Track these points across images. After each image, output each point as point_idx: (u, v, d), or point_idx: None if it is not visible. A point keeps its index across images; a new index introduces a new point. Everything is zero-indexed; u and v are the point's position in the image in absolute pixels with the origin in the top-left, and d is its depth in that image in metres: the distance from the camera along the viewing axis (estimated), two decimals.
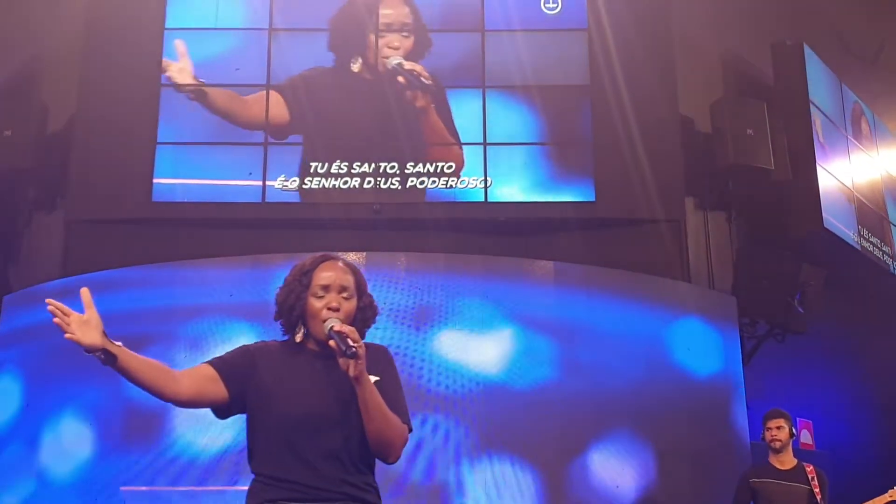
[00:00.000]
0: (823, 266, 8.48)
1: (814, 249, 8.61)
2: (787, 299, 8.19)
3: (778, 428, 5.47)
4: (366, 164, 8.29)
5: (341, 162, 8.28)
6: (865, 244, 9.38)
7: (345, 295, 2.62)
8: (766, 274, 8.17)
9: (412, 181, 8.26)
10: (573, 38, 8.59)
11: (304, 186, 8.22)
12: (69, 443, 6.57)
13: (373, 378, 2.50)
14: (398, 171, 8.26)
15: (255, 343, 2.71)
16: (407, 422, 2.58)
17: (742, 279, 8.24)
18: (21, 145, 8.07)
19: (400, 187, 8.24)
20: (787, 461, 5.49)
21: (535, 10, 8.65)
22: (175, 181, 8.22)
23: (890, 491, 5.20)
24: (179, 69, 8.33)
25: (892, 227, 10.25)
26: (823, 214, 8.49)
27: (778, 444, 5.46)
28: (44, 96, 8.47)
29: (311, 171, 8.25)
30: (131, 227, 8.09)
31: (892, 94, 10.89)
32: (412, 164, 8.29)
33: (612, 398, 6.87)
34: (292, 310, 2.61)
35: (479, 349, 6.69)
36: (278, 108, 8.37)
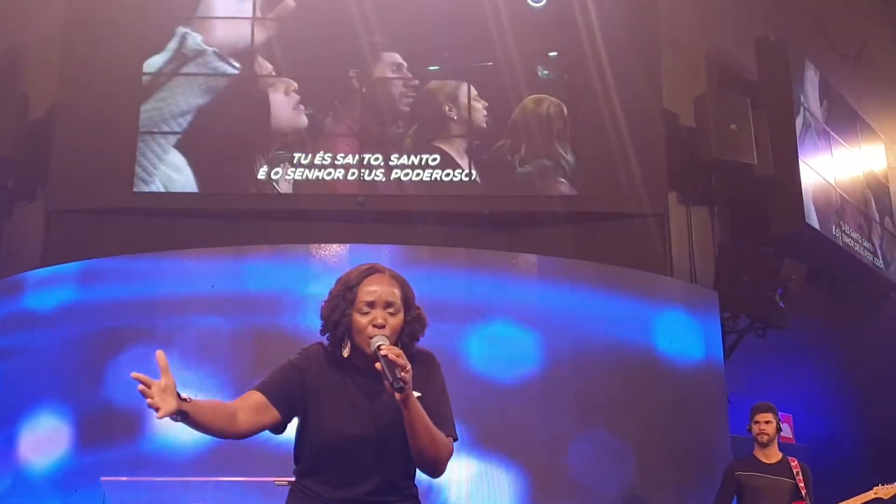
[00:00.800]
0: (805, 261, 8.52)
1: (795, 245, 8.65)
2: (769, 294, 8.23)
3: (766, 422, 5.49)
4: (350, 156, 8.28)
5: (325, 153, 8.26)
6: (847, 240, 9.44)
7: (391, 310, 2.56)
8: (747, 269, 8.21)
9: (396, 173, 8.25)
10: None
11: (286, 178, 8.20)
12: (47, 435, 6.53)
13: (416, 394, 2.45)
14: (382, 163, 8.25)
15: (301, 354, 2.63)
16: (452, 433, 2.57)
17: (724, 274, 8.27)
18: (1, 134, 8.00)
19: (384, 179, 8.23)
20: (772, 455, 5.51)
21: (520, 2, 8.66)
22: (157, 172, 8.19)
23: (875, 488, 5.23)
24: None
25: (873, 223, 10.31)
26: (805, 210, 8.54)
27: (765, 438, 5.48)
28: (24, 85, 8.40)
29: (295, 161, 8.22)
30: (112, 218, 8.05)
31: (875, 92, 10.96)
32: (396, 155, 8.28)
33: (595, 391, 6.87)
34: (337, 325, 2.56)
35: (462, 342, 6.67)
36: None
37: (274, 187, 8.18)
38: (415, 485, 2.62)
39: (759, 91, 8.90)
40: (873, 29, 10.86)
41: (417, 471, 2.60)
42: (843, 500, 5.30)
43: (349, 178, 8.24)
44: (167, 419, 2.27)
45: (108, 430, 6.37)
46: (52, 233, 8.14)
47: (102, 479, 3.30)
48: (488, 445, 6.45)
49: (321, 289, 6.62)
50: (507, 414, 6.58)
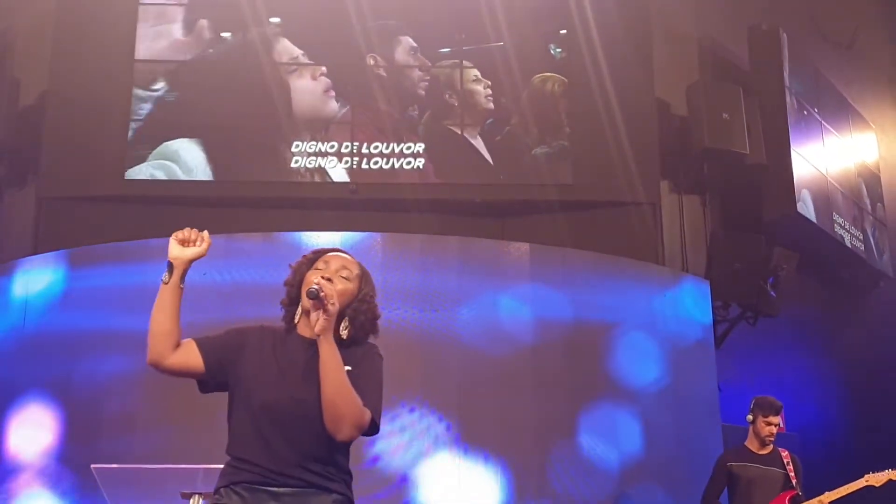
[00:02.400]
0: (796, 250, 8.55)
1: (787, 233, 8.68)
2: (760, 283, 8.26)
3: (776, 425, 5.49)
4: (344, 144, 8.28)
5: (319, 141, 8.26)
6: (838, 229, 9.47)
7: (344, 274, 2.60)
8: (739, 257, 8.24)
9: (390, 161, 8.26)
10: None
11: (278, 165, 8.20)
12: (38, 422, 6.53)
13: (347, 368, 2.47)
14: (376, 152, 8.26)
15: (254, 325, 2.66)
16: (372, 412, 2.52)
17: (715, 262, 8.30)
18: None
19: (377, 167, 8.24)
20: (764, 447, 5.53)
21: None
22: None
23: (866, 476, 5.25)
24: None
25: (864, 212, 10.34)
26: (796, 199, 8.56)
27: (771, 440, 5.49)
28: (15, 71, 8.34)
29: (290, 149, 8.23)
30: (103, 205, 8.03)
31: (867, 80, 10.97)
32: (388, 144, 8.29)
33: (586, 379, 6.90)
34: (292, 285, 2.63)
35: (453, 330, 6.69)
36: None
37: (270, 174, 8.19)
38: (344, 468, 2.56)
39: (751, 80, 8.91)
40: (865, 18, 10.86)
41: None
42: (834, 488, 5.32)
43: (342, 166, 8.24)
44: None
45: (97, 421, 6.39)
46: (43, 220, 8.12)
47: (93, 466, 3.30)
48: (478, 433, 6.47)
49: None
50: (498, 401, 6.60)
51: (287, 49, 8.47)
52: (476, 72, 8.56)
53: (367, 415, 2.49)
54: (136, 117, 8.28)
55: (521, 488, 6.44)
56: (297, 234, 6.80)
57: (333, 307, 2.44)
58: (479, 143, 8.37)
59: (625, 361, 7.08)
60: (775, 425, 5.47)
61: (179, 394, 6.23)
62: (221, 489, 2.50)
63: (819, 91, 9.91)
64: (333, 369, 2.43)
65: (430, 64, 8.53)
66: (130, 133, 8.22)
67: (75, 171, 8.09)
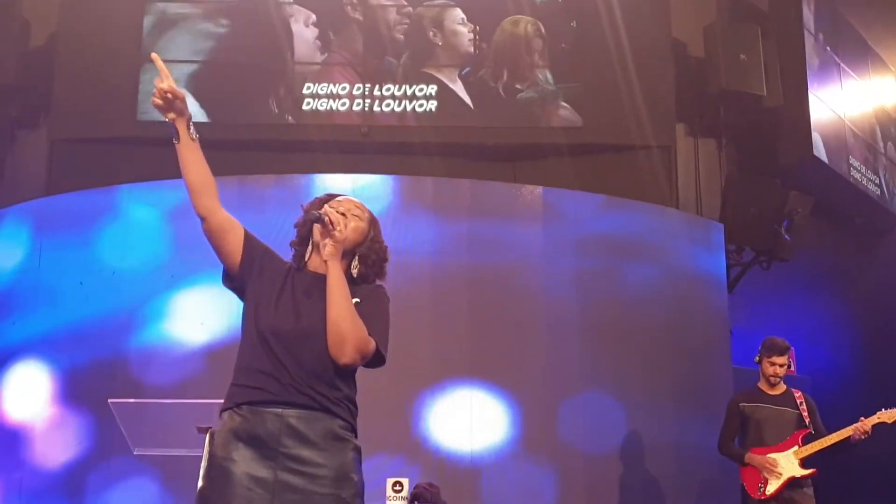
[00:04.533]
0: (811, 194, 8.48)
1: (802, 177, 8.60)
2: (774, 227, 8.20)
3: (781, 365, 5.52)
4: (357, 86, 8.21)
5: (331, 84, 8.20)
6: (854, 173, 9.39)
7: (356, 213, 2.69)
8: (753, 201, 8.16)
9: (402, 104, 8.20)
10: None
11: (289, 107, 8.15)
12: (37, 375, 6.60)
13: (355, 300, 2.55)
14: (387, 94, 8.19)
15: (276, 254, 2.73)
16: (378, 342, 2.57)
17: (730, 206, 8.23)
18: (2, 62, 7.92)
19: (389, 110, 8.18)
20: (776, 387, 5.55)
21: None
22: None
23: (878, 413, 5.27)
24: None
25: (878, 154, 10.24)
26: (813, 142, 8.46)
27: (776, 380, 5.51)
28: (24, 11, 8.26)
29: (301, 91, 8.17)
30: (116, 146, 8.01)
31: (888, 23, 10.77)
32: (400, 86, 8.22)
33: (599, 322, 6.90)
34: (304, 225, 2.71)
35: (466, 275, 6.68)
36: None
37: (280, 118, 8.14)
38: (351, 396, 2.60)
39: (770, 20, 8.75)
40: None
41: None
42: (841, 427, 5.34)
43: (354, 108, 8.18)
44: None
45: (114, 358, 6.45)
46: (56, 161, 8.12)
47: (110, 401, 3.33)
48: (490, 372, 6.50)
49: None
50: (509, 342, 6.62)
51: None
52: (462, 14, 8.42)
53: (372, 343, 2.55)
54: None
55: (529, 429, 6.48)
56: (309, 175, 6.78)
57: (340, 234, 2.57)
58: (458, 87, 8.27)
59: (637, 304, 7.07)
60: (780, 366, 5.50)
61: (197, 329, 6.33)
62: (225, 412, 2.55)
63: (838, 33, 9.75)
64: (339, 291, 2.52)
65: (410, 8, 8.39)
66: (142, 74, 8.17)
67: (87, 113, 8.06)
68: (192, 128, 2.60)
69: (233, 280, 2.67)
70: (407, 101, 8.21)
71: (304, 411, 2.47)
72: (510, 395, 6.50)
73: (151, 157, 7.81)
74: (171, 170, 7.44)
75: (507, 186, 7.25)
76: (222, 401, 3.34)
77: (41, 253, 6.88)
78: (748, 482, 5.40)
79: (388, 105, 8.21)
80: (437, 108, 8.19)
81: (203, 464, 2.51)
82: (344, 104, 8.19)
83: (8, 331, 6.83)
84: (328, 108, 8.17)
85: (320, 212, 2.61)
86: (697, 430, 6.70)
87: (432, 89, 8.23)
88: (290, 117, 8.16)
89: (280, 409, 2.46)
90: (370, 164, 7.65)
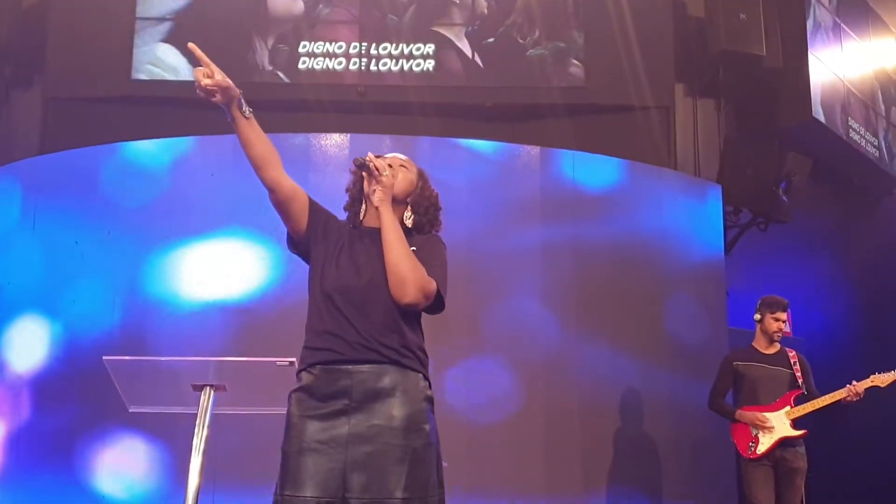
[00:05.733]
0: (810, 156, 8.46)
1: (801, 139, 8.57)
2: (772, 188, 8.19)
3: (784, 321, 5.54)
4: (353, 45, 8.14)
5: (327, 42, 8.12)
6: (853, 134, 9.34)
7: (404, 165, 2.79)
8: (752, 162, 8.14)
9: (399, 63, 8.13)
10: None
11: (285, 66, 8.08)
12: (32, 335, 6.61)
13: (412, 248, 2.63)
14: (384, 53, 8.12)
15: (336, 217, 2.79)
16: (437, 279, 2.62)
17: (728, 167, 8.21)
18: None
19: (386, 69, 8.12)
20: (771, 346, 5.57)
21: None
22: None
23: (871, 376, 5.28)
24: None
25: (879, 116, 10.19)
26: (812, 103, 8.42)
27: (779, 336, 5.53)
28: None
29: (297, 49, 8.09)
30: (110, 105, 7.96)
31: None
32: (396, 45, 8.15)
33: (594, 282, 6.91)
34: (355, 185, 2.79)
35: (461, 234, 6.66)
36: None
37: (276, 77, 8.06)
38: (421, 349, 2.64)
39: None
40: None
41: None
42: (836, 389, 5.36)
43: (350, 67, 8.12)
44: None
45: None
46: (50, 120, 8.07)
47: (105, 358, 3.33)
48: (483, 340, 6.51)
49: (321, 178, 6.61)
50: (504, 301, 6.63)
51: None
52: None
53: (433, 283, 2.60)
54: (141, 16, 8.13)
55: (522, 388, 6.51)
56: (305, 135, 6.73)
57: (387, 178, 2.64)
58: (464, 45, 8.19)
59: (633, 265, 7.07)
60: (783, 321, 5.51)
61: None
62: (300, 373, 2.61)
63: None
64: (393, 234, 2.59)
65: None
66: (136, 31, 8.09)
67: (81, 72, 8.00)
68: (244, 106, 2.61)
69: (297, 245, 2.72)
70: (405, 61, 8.14)
71: (374, 366, 2.52)
72: (504, 358, 6.51)
73: (146, 115, 7.79)
74: (164, 129, 7.45)
75: (504, 146, 7.21)
76: (216, 358, 3.38)
77: (35, 212, 6.86)
78: (739, 441, 5.42)
79: (385, 64, 8.14)
80: (435, 67, 8.13)
81: (285, 424, 2.57)
82: (340, 63, 8.12)
83: (4, 290, 6.83)
84: (324, 67, 8.10)
85: (363, 158, 2.66)
86: (692, 390, 6.72)
87: (430, 48, 8.15)
88: (284, 76, 8.09)
89: (350, 367, 2.51)
90: (367, 125, 7.61)
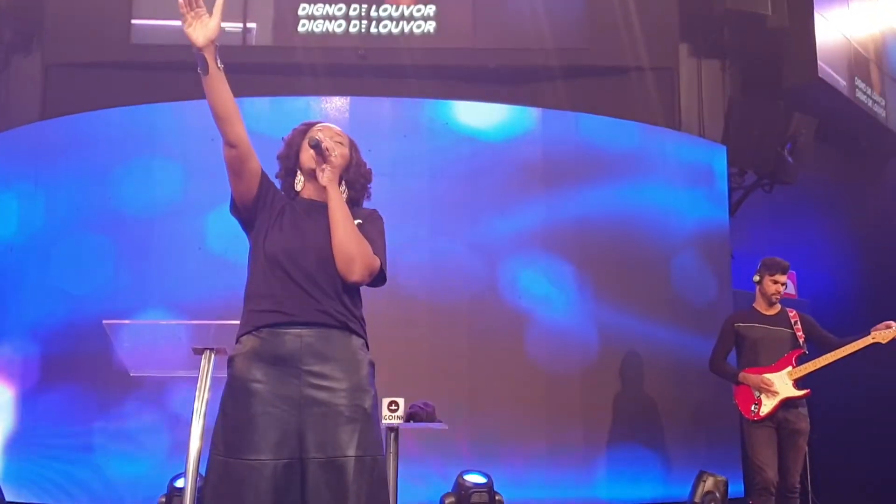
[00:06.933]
0: (816, 116, 8.37)
1: (807, 99, 8.49)
2: (777, 149, 8.12)
3: (783, 284, 5.50)
4: (353, 6, 8.06)
5: (327, 4, 8.04)
6: (860, 94, 9.25)
7: (338, 139, 2.76)
8: (757, 123, 8.07)
9: (399, 25, 8.05)
10: None
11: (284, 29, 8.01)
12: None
13: (357, 221, 2.65)
14: (385, 15, 8.04)
15: (274, 184, 2.79)
16: (381, 259, 2.66)
17: (733, 128, 8.14)
18: None
19: (387, 31, 8.04)
20: (773, 307, 5.54)
21: None
22: (154, 22, 7.99)
23: (872, 333, 5.25)
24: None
25: (885, 77, 10.08)
26: (818, 63, 8.33)
27: (777, 298, 5.50)
28: None
29: (297, 12, 8.02)
30: (110, 71, 7.92)
31: None
32: (397, 6, 8.07)
33: (597, 245, 6.89)
34: (289, 157, 2.77)
35: (465, 197, 6.64)
36: None
37: (276, 39, 8.01)
38: (363, 319, 2.67)
39: None
40: None
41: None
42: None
43: (351, 30, 8.04)
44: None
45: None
46: (50, 86, 8.04)
47: (105, 322, 3.33)
48: (486, 293, 6.52)
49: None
50: (508, 257, 6.62)
51: None
52: None
53: (377, 261, 2.64)
54: None
55: (533, 345, 6.53)
56: (304, 98, 6.69)
57: (336, 158, 2.66)
58: (465, 6, 8.11)
59: (637, 227, 7.04)
60: (782, 284, 5.47)
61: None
62: (243, 336, 2.59)
63: None
64: (342, 214, 2.60)
65: None
66: None
67: (81, 37, 7.96)
68: (218, 57, 2.58)
69: (242, 210, 2.70)
70: (405, 23, 8.06)
71: (323, 329, 2.54)
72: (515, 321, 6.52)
73: (145, 80, 7.75)
74: (165, 94, 7.39)
75: (505, 108, 7.15)
76: (217, 322, 3.37)
77: (37, 178, 6.85)
78: (741, 402, 5.41)
79: (385, 27, 8.07)
80: (436, 29, 8.06)
81: (224, 388, 2.55)
82: (340, 25, 8.05)
83: (8, 254, 6.85)
84: (324, 30, 8.03)
85: (318, 138, 2.65)
86: (696, 352, 6.72)
87: (431, 10, 8.07)
88: (284, 39, 8.03)
89: (299, 329, 2.52)
90: (367, 87, 7.55)
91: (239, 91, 7.22)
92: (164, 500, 5.56)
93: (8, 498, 6.26)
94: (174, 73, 7.68)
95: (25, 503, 6.37)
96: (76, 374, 6.37)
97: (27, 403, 6.58)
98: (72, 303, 6.50)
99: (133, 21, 8.00)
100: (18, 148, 7.03)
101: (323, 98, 6.66)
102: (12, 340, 6.73)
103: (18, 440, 6.56)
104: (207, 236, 6.34)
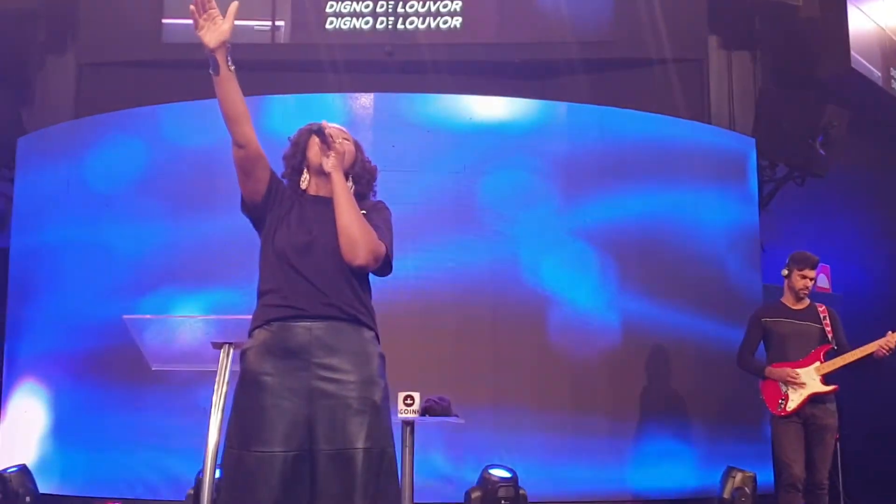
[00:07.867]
0: (848, 107, 8.24)
1: (839, 90, 8.36)
2: (809, 141, 8.01)
3: (811, 279, 5.43)
4: (380, 3, 8.10)
5: (354, 2, 8.08)
6: (895, 84, 9.10)
7: (345, 136, 2.82)
8: (788, 115, 7.96)
9: (426, 21, 8.07)
10: None
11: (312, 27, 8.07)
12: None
13: (362, 212, 2.68)
14: (412, 11, 8.07)
15: (282, 182, 2.84)
16: (385, 244, 2.68)
17: (763, 120, 8.05)
18: None
19: (413, 27, 8.07)
20: (801, 301, 5.47)
21: None
22: (186, 21, 8.07)
23: (889, 333, 5.16)
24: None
25: None
26: (851, 53, 8.20)
27: (805, 293, 5.43)
28: None
29: (325, 9, 8.07)
30: (142, 69, 8.03)
31: None
32: (424, 2, 8.09)
33: (626, 238, 6.86)
34: (295, 155, 2.81)
35: (488, 190, 6.65)
36: None
37: (303, 37, 8.06)
38: (373, 311, 2.70)
39: None
40: None
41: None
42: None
43: (378, 27, 8.08)
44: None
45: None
46: (83, 85, 8.17)
47: (124, 316, 3.39)
48: (511, 287, 6.52)
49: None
50: (533, 258, 6.62)
51: None
52: None
53: (383, 246, 2.67)
54: None
55: (561, 337, 6.53)
56: (331, 95, 6.74)
57: (340, 145, 2.71)
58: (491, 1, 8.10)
59: (667, 220, 7.00)
60: (810, 279, 5.39)
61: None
62: (254, 330, 2.64)
63: None
64: (346, 198, 2.64)
65: None
66: None
67: (114, 37, 8.08)
68: (230, 59, 2.60)
69: (252, 209, 2.75)
70: (431, 18, 8.08)
71: (332, 322, 2.57)
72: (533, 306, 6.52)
73: (176, 78, 7.85)
74: (195, 93, 7.49)
75: (533, 103, 7.14)
76: (234, 316, 3.41)
77: (69, 174, 6.99)
78: (768, 397, 5.36)
79: (411, 23, 8.09)
80: (462, 24, 8.06)
81: (237, 382, 2.61)
82: (367, 22, 8.09)
83: (40, 250, 6.99)
84: (351, 26, 8.08)
85: (320, 124, 2.72)
86: (725, 346, 6.67)
87: (457, 5, 8.08)
88: (311, 36, 8.08)
89: (308, 323, 2.56)
90: (395, 84, 7.58)
91: (267, 88, 7.34)
92: (192, 492, 5.67)
93: (42, 490, 6.40)
94: (206, 71, 7.76)
95: (59, 494, 6.50)
96: (110, 369, 6.48)
97: (62, 397, 6.71)
98: (108, 297, 6.61)
99: (164, 20, 8.10)
100: (53, 146, 7.16)
101: (348, 95, 6.69)
102: (50, 335, 6.86)
103: (54, 433, 6.69)
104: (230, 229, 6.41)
